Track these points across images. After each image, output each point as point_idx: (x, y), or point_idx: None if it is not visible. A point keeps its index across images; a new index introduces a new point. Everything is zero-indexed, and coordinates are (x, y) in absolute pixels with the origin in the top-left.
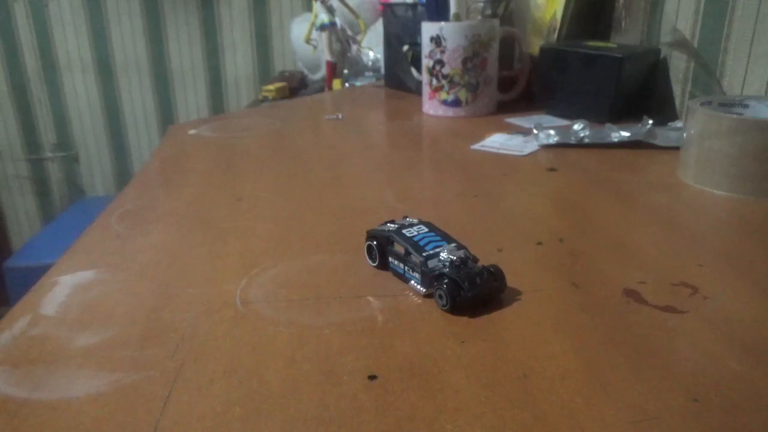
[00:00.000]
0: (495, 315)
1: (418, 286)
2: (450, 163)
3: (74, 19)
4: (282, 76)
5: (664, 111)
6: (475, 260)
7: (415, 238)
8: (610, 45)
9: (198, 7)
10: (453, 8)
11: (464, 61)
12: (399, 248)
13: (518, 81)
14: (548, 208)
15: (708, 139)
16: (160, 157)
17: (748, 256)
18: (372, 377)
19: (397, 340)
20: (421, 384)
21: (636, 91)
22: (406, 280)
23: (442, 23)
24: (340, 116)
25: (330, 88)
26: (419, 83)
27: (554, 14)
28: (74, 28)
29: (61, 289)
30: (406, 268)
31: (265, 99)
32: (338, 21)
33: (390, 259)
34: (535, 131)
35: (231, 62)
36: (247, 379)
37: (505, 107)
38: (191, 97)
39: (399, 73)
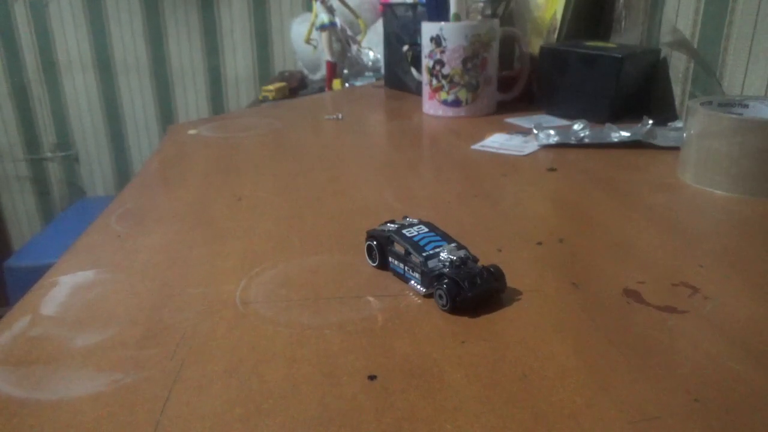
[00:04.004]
0: (495, 315)
1: (418, 286)
2: (450, 163)
3: (74, 19)
4: (282, 76)
5: (664, 111)
6: (475, 260)
7: (415, 238)
8: (610, 45)
9: (198, 7)
10: (453, 8)
11: (464, 61)
12: (399, 248)
13: (518, 81)
14: (548, 208)
15: (708, 139)
16: (160, 157)
17: (748, 256)
18: (372, 377)
19: (397, 340)
20: (421, 384)
21: (636, 91)
22: (406, 280)
23: (442, 23)
24: (340, 116)
25: (330, 88)
26: (419, 83)
27: (554, 14)
28: (74, 28)
29: (61, 289)
30: (406, 268)
31: (265, 99)
32: (338, 21)
33: (390, 259)
34: (535, 131)
35: (231, 62)
36: (247, 379)
37: (505, 107)
38: (191, 97)
39: (399, 73)
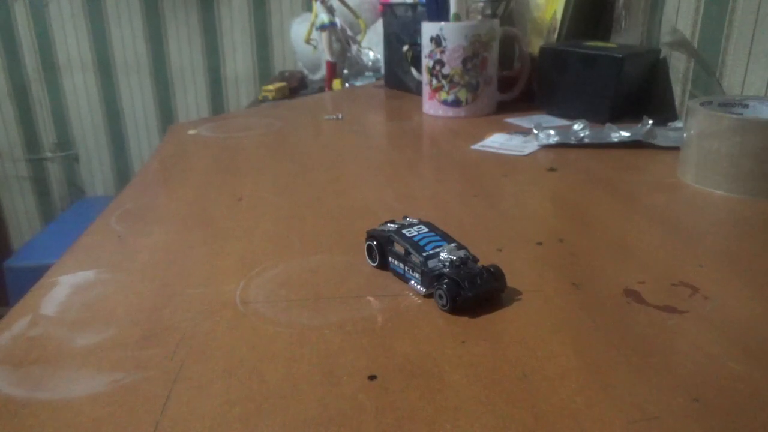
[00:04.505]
0: (495, 315)
1: (418, 286)
2: (450, 163)
3: (74, 19)
4: (282, 76)
5: (664, 111)
6: (475, 260)
7: (415, 238)
8: (610, 45)
9: (198, 7)
10: (453, 8)
11: (464, 61)
12: (399, 248)
13: (518, 81)
14: (548, 208)
15: (708, 139)
16: (160, 157)
17: (748, 256)
18: (372, 377)
19: (397, 340)
20: (421, 384)
21: (636, 91)
22: (406, 280)
23: (442, 23)
24: (340, 116)
25: (330, 88)
26: (419, 83)
27: (554, 14)
28: (74, 28)
29: (61, 289)
30: (406, 268)
31: (265, 99)
32: (338, 21)
33: (390, 259)
34: (535, 131)
35: (231, 62)
36: (247, 379)
37: (505, 107)
38: (191, 97)
39: (399, 73)
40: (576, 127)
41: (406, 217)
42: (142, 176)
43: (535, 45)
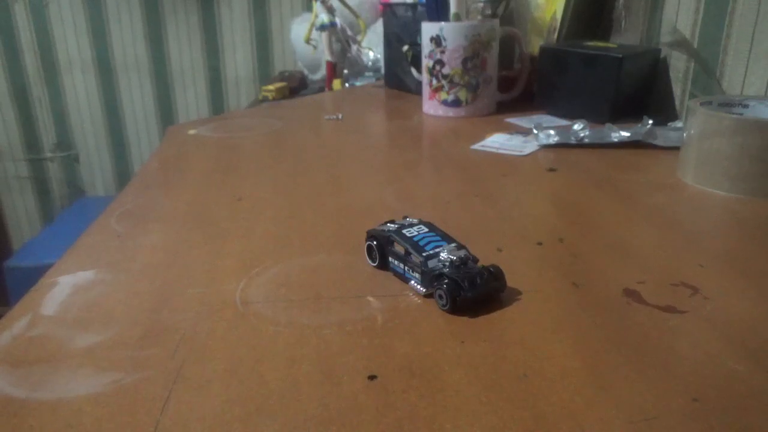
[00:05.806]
0: (495, 315)
1: (418, 286)
2: (450, 163)
3: (74, 19)
4: (282, 76)
5: (664, 111)
6: (475, 260)
7: (415, 238)
8: (610, 45)
9: (198, 7)
10: (453, 8)
11: (464, 61)
12: (399, 248)
13: (518, 81)
14: (548, 208)
15: (708, 139)
16: (159, 157)
17: (748, 256)
18: (372, 377)
19: (397, 340)
20: (421, 384)
21: (636, 91)
22: (406, 280)
23: (442, 23)
24: (340, 116)
25: (330, 88)
26: (419, 83)
27: (554, 14)
28: (74, 28)
29: (61, 289)
30: (406, 268)
31: (265, 99)
32: (338, 21)
33: (390, 259)
34: (535, 131)
35: (231, 62)
36: (247, 379)
37: (505, 107)
38: (191, 97)
39: (399, 73)
40: (576, 127)
41: (406, 217)
42: (142, 176)
43: (535, 45)
